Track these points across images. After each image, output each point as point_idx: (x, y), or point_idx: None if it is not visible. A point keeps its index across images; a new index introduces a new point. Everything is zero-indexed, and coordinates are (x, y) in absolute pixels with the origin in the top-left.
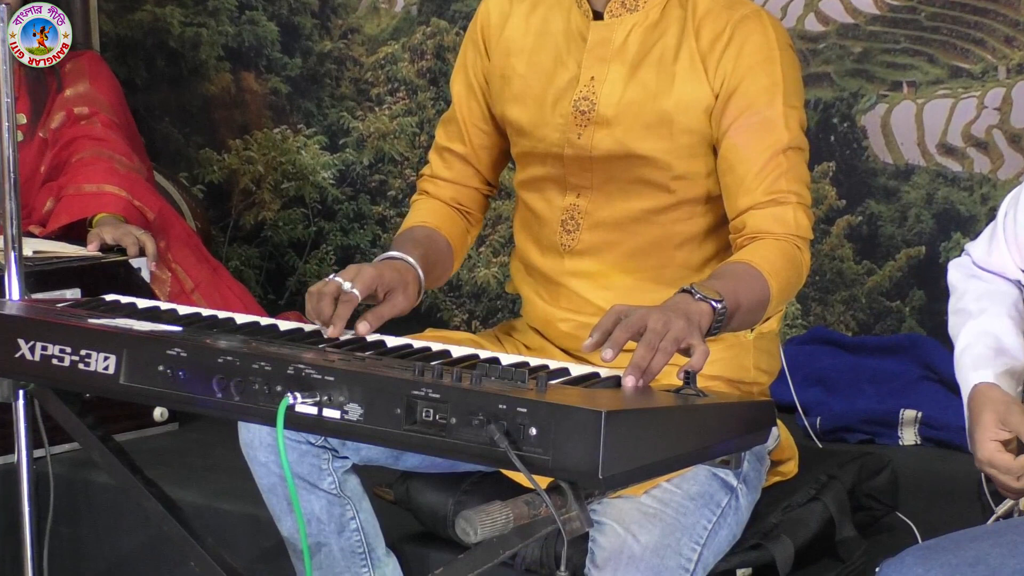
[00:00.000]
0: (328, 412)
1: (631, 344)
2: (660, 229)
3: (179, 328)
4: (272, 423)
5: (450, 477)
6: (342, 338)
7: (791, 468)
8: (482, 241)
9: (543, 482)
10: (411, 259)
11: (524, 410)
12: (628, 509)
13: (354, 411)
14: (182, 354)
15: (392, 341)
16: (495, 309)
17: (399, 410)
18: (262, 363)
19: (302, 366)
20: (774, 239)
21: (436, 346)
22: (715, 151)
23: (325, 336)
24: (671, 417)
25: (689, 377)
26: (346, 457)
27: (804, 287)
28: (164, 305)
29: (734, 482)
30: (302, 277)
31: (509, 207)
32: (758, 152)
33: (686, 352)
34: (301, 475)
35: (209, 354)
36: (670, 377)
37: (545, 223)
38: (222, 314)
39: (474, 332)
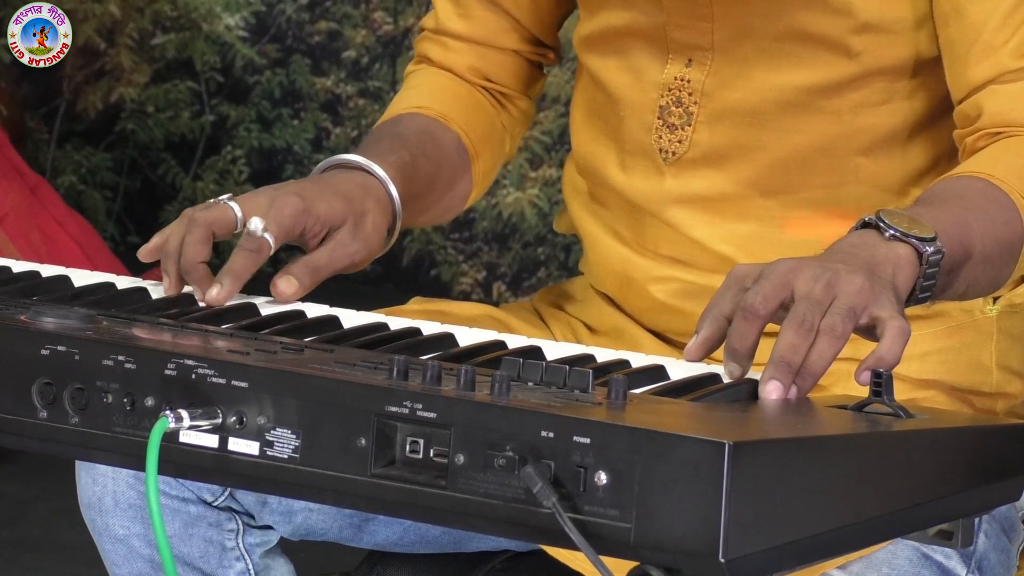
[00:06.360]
0: (238, 444)
1: (772, 326)
2: (833, 122)
3: None
4: (138, 465)
5: (454, 561)
6: (269, 309)
7: None
8: None
9: (621, 568)
10: (377, 168)
11: (586, 440)
12: None
13: (284, 443)
14: None
15: (352, 319)
16: (534, 261)
17: (364, 440)
18: (120, 357)
19: (191, 362)
20: None
21: (429, 327)
22: None
23: (202, 303)
24: (847, 455)
25: (880, 382)
26: (269, 527)
27: None
28: None
29: (961, 570)
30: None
31: (559, 81)
32: None
33: (871, 333)
34: (189, 559)
35: (25, 341)
36: (846, 382)
37: (631, 111)
38: (48, 269)
39: (496, 303)
